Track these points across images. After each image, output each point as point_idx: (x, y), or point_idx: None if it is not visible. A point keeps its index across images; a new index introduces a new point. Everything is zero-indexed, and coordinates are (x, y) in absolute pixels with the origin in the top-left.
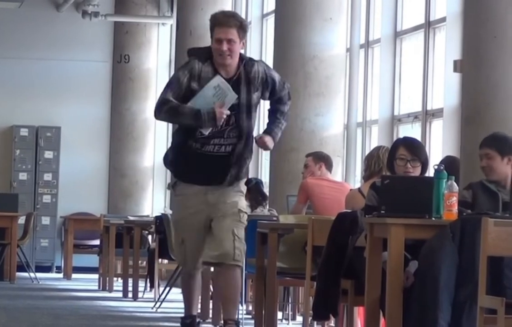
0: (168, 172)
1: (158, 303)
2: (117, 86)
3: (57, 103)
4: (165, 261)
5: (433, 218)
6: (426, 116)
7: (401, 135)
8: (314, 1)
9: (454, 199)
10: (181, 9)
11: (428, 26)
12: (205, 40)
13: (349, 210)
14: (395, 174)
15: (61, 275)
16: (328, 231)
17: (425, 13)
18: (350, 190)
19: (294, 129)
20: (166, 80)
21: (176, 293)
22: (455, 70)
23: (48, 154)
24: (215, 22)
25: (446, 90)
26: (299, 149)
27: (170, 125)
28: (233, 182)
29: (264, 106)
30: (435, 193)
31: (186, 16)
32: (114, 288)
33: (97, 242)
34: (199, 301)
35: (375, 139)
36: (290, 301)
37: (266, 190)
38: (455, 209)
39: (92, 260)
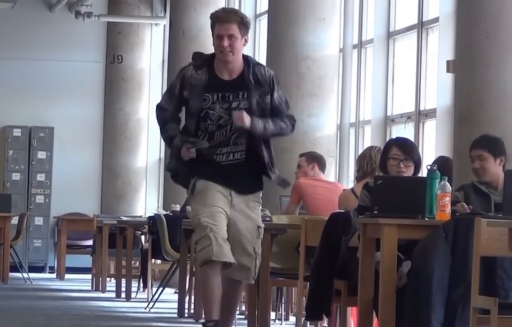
0: (162, 172)
1: (151, 304)
2: (110, 86)
3: (50, 104)
4: (158, 261)
5: (426, 218)
6: (419, 116)
7: (394, 136)
8: (307, 1)
9: (447, 199)
10: (174, 9)
11: (421, 26)
12: (198, 41)
13: (342, 211)
14: (388, 174)
15: (54, 276)
16: (321, 231)
17: (418, 14)
18: (343, 190)
19: None
20: (159, 80)
21: (169, 294)
22: (448, 70)
23: (41, 155)
24: (215, 19)
25: (439, 90)
26: (292, 150)
27: None
28: (253, 191)
29: None
30: (428, 193)
31: (179, 16)
32: (107, 288)
33: (90, 242)
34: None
35: (368, 139)
36: (283, 301)
37: None
38: (448, 209)
39: (85, 260)
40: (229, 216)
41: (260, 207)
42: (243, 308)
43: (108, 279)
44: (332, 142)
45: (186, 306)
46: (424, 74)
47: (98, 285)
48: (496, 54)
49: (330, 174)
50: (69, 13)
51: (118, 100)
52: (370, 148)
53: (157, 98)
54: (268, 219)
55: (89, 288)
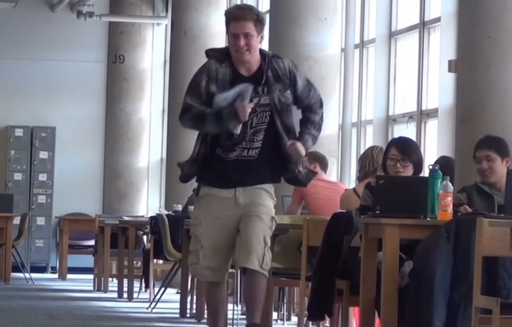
0: (164, 172)
1: (153, 304)
2: (112, 86)
3: (52, 104)
4: (160, 261)
5: (428, 218)
6: (421, 116)
7: (396, 135)
8: (308, 1)
9: (449, 199)
10: (175, 9)
11: (423, 26)
12: (200, 40)
13: (344, 210)
14: (388, 174)
15: (56, 276)
16: (323, 231)
17: (420, 13)
18: (345, 190)
19: None
20: (161, 80)
21: (171, 294)
22: (449, 70)
23: (43, 155)
24: (230, 16)
25: (441, 90)
26: None
27: (165, 125)
28: (265, 182)
29: None
30: (430, 193)
31: (181, 16)
32: (109, 288)
33: (92, 242)
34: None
35: (370, 139)
36: (285, 301)
37: None
38: (450, 209)
39: (87, 260)
40: (238, 216)
41: (273, 202)
42: (245, 308)
43: (110, 279)
44: (334, 141)
45: (188, 306)
46: (426, 74)
47: (100, 285)
48: (497, 54)
49: (332, 174)
50: (70, 13)
51: (120, 100)
52: (372, 148)
53: (159, 98)
54: None
55: (91, 288)
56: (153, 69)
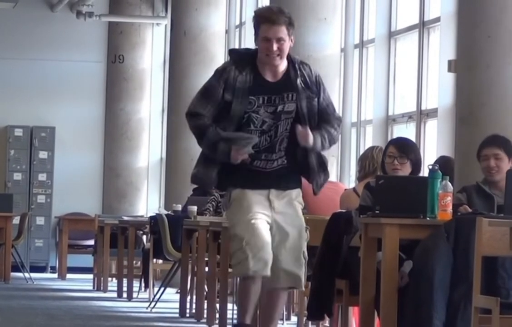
0: (163, 171)
1: (153, 303)
2: (111, 86)
3: (52, 103)
4: (160, 261)
5: (428, 218)
6: (421, 116)
7: (395, 135)
8: (308, 1)
9: (449, 199)
10: (175, 9)
11: (423, 26)
12: (200, 41)
13: (343, 210)
14: (387, 174)
15: (55, 275)
16: (322, 231)
17: (420, 13)
18: (345, 190)
19: None
20: (161, 80)
21: (170, 294)
22: (449, 70)
23: (43, 154)
24: (261, 19)
25: (440, 90)
26: None
27: (165, 125)
28: (294, 187)
29: None
30: (430, 193)
31: (181, 16)
32: (109, 288)
33: (91, 242)
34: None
35: (370, 139)
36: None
37: None
38: (449, 209)
39: (87, 260)
40: (272, 221)
41: (302, 207)
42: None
43: (109, 279)
44: None
45: (188, 306)
46: (426, 73)
47: (99, 285)
48: (497, 54)
49: (331, 174)
50: (70, 13)
51: (119, 100)
52: (371, 148)
53: (159, 98)
54: None
55: (91, 288)
56: (153, 69)
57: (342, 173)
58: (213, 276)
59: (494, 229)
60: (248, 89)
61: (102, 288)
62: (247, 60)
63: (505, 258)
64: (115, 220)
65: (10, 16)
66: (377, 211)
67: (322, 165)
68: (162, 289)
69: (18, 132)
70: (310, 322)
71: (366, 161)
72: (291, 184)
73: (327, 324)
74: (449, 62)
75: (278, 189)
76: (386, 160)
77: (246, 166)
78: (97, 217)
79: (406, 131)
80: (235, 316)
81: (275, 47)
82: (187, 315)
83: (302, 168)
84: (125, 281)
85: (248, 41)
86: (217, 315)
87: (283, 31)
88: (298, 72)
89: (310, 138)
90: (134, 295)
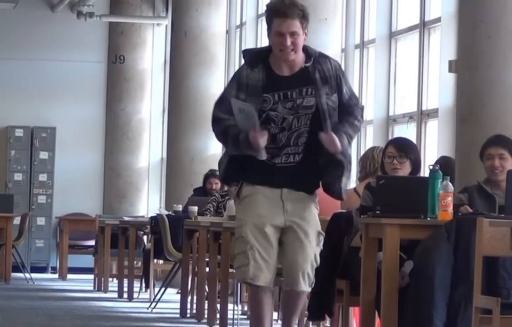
0: (164, 172)
1: (154, 304)
2: (112, 86)
3: (52, 104)
4: (161, 261)
5: (428, 218)
6: (421, 116)
7: (396, 136)
8: (309, 1)
9: (449, 199)
10: (176, 10)
11: (423, 26)
12: (200, 41)
13: (344, 211)
14: (387, 174)
15: (56, 276)
16: (323, 231)
17: (420, 14)
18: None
19: None
20: (161, 80)
21: (171, 294)
22: (450, 70)
23: (43, 155)
24: (273, 13)
25: (441, 90)
26: None
27: (166, 125)
28: (309, 189)
29: None
30: (430, 193)
31: (181, 16)
32: (109, 288)
33: (92, 242)
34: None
35: (370, 139)
36: None
37: None
38: (450, 209)
39: (87, 260)
40: (285, 224)
41: (317, 211)
42: (245, 308)
43: (110, 279)
44: None
45: (188, 306)
46: (426, 74)
47: (100, 285)
48: (498, 54)
49: None
50: (71, 13)
51: (120, 100)
52: (372, 149)
53: (159, 98)
54: None
55: (91, 288)
56: (153, 69)
57: None
58: (214, 276)
59: (495, 229)
60: (262, 87)
61: (102, 288)
62: (258, 58)
63: (505, 258)
64: (115, 221)
65: (11, 17)
66: (377, 211)
67: (348, 166)
68: (162, 289)
69: (19, 133)
70: (310, 322)
71: (367, 161)
72: (306, 186)
73: (327, 324)
74: (450, 62)
75: (291, 188)
76: (386, 160)
77: (266, 162)
78: (97, 218)
79: (406, 131)
80: (235, 317)
81: (288, 41)
82: (188, 315)
83: (323, 171)
84: (125, 281)
85: (249, 42)
86: (218, 316)
87: (296, 25)
88: (316, 66)
89: (337, 142)
90: (135, 295)
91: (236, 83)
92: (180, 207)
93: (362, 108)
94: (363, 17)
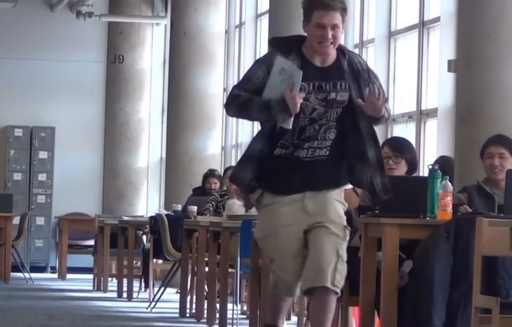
0: (163, 171)
1: (153, 303)
2: (111, 86)
3: (51, 104)
4: (160, 261)
5: (428, 218)
6: (420, 116)
7: (395, 135)
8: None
9: (449, 199)
10: (175, 9)
11: (422, 26)
12: (199, 40)
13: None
14: None
15: (55, 275)
16: None
17: (419, 13)
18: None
19: None
20: (160, 80)
21: (170, 293)
22: (449, 70)
23: (43, 155)
24: (315, 4)
25: (440, 90)
26: None
27: (165, 125)
28: (333, 186)
29: None
30: (430, 193)
31: (180, 16)
32: (109, 288)
33: (91, 242)
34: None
35: None
36: None
37: None
38: (449, 209)
39: (87, 260)
40: (309, 225)
41: (344, 209)
42: (245, 307)
43: (109, 279)
44: None
45: (188, 306)
46: (425, 73)
47: (99, 285)
48: (497, 53)
49: None
50: (70, 13)
51: (119, 100)
52: None
53: (158, 98)
54: None
55: (91, 288)
56: (152, 69)
57: None
58: (213, 276)
59: (494, 229)
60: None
61: (102, 288)
62: (292, 46)
63: (505, 258)
64: (115, 220)
65: (10, 16)
66: (377, 211)
67: (380, 162)
68: (162, 289)
69: (18, 132)
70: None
71: None
72: (330, 184)
73: None
74: (449, 62)
75: (314, 190)
76: None
77: (288, 157)
78: (97, 217)
79: (406, 131)
80: (235, 316)
81: (329, 34)
82: (187, 315)
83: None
84: (125, 281)
85: (247, 41)
86: (217, 315)
87: (338, 18)
88: (349, 60)
89: (381, 104)
90: (134, 295)
91: (267, 69)
92: (179, 207)
93: (388, 107)
94: (362, 17)
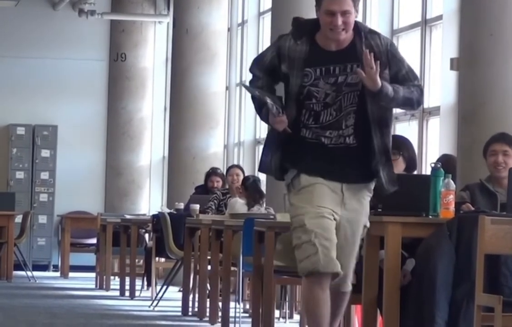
0: (166, 170)
1: (155, 302)
2: (113, 84)
3: (54, 102)
4: (162, 259)
5: (430, 216)
6: (423, 114)
7: (398, 133)
8: (309, 0)
9: (451, 197)
10: (177, 7)
11: (425, 24)
12: (202, 38)
13: None
14: None
15: (58, 274)
16: None
17: (422, 11)
18: None
19: None
20: (163, 78)
21: (173, 292)
22: (451, 68)
23: (45, 153)
24: None
25: (442, 88)
26: None
27: (167, 123)
28: (368, 179)
29: None
30: (432, 191)
31: (183, 14)
32: (111, 286)
33: (94, 240)
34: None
35: None
36: (287, 299)
37: (263, 188)
38: (452, 207)
39: (89, 258)
40: (340, 218)
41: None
42: (247, 306)
43: (112, 277)
44: None
45: (190, 304)
46: (428, 71)
47: (102, 284)
48: (499, 51)
49: None
50: (72, 11)
51: (121, 98)
52: None
53: (161, 96)
54: (272, 217)
55: (93, 286)
56: (155, 67)
57: None
58: (216, 274)
59: (497, 227)
60: (304, 61)
61: (104, 286)
62: (305, 29)
63: (507, 256)
64: (117, 219)
65: (12, 15)
66: (379, 210)
67: (387, 152)
68: (164, 287)
69: (20, 131)
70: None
71: None
72: (362, 177)
73: None
74: (452, 60)
75: (350, 182)
76: None
77: (311, 141)
78: (99, 216)
79: (408, 129)
80: (237, 314)
81: (340, 21)
82: (190, 313)
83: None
84: (127, 279)
85: (250, 39)
86: (220, 314)
87: (348, 3)
88: (364, 41)
89: (377, 77)
90: (137, 293)
91: (276, 51)
92: (181, 205)
93: (420, 86)
94: (365, 15)
